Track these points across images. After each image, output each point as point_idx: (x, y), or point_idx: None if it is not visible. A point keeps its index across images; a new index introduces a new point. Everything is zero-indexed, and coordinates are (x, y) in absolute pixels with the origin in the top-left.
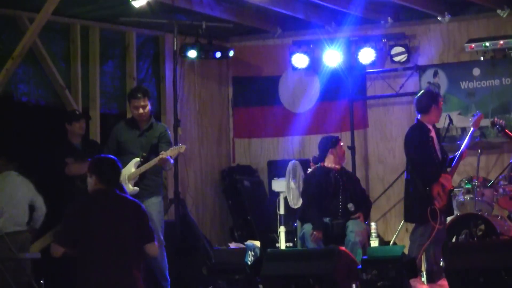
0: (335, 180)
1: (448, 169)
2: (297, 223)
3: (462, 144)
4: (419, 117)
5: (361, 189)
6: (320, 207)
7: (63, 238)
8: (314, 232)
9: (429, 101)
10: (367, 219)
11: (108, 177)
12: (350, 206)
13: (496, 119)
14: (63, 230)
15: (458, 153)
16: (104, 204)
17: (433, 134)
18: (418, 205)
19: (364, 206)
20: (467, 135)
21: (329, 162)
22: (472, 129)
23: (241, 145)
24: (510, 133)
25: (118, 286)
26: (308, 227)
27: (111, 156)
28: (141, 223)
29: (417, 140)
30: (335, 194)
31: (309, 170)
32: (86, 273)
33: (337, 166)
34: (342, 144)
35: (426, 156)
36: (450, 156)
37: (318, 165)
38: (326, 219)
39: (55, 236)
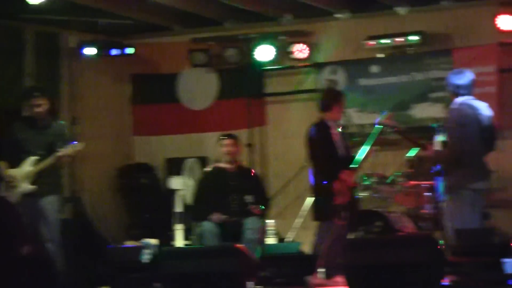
0: (225, 180)
1: (352, 167)
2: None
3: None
4: (321, 115)
5: (261, 188)
6: (213, 206)
7: None
8: (214, 216)
9: (331, 99)
10: (264, 217)
11: None
12: (248, 198)
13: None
14: None
15: (362, 151)
16: None
17: (334, 131)
18: (320, 201)
19: (262, 204)
20: (373, 133)
21: (222, 161)
22: (377, 128)
23: (140, 142)
24: (405, 134)
25: None
26: (207, 224)
27: None
28: (15, 223)
29: (317, 137)
30: (227, 193)
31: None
32: None
33: (230, 166)
34: (223, 143)
35: (326, 153)
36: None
37: (212, 165)
38: (223, 217)
39: None
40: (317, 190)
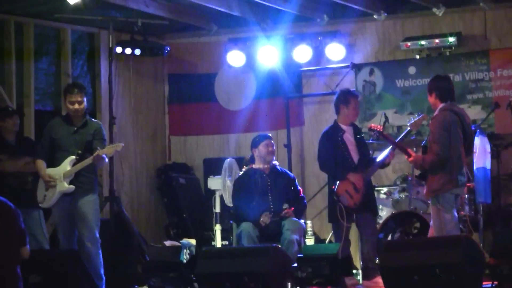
0: (261, 181)
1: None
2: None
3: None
4: (337, 118)
5: (296, 189)
6: (252, 208)
7: None
8: (262, 215)
9: (338, 102)
10: (300, 217)
11: None
12: (285, 206)
13: (373, 125)
14: None
15: (382, 155)
16: None
17: (347, 134)
18: (329, 204)
19: (297, 204)
20: (400, 135)
21: (256, 162)
22: (406, 129)
23: (177, 142)
24: (389, 136)
25: None
26: (245, 225)
27: None
28: (13, 224)
29: (325, 141)
30: (264, 194)
31: (241, 171)
32: None
33: (265, 166)
34: (267, 143)
35: (331, 156)
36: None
37: (248, 166)
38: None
39: None
40: (329, 192)
